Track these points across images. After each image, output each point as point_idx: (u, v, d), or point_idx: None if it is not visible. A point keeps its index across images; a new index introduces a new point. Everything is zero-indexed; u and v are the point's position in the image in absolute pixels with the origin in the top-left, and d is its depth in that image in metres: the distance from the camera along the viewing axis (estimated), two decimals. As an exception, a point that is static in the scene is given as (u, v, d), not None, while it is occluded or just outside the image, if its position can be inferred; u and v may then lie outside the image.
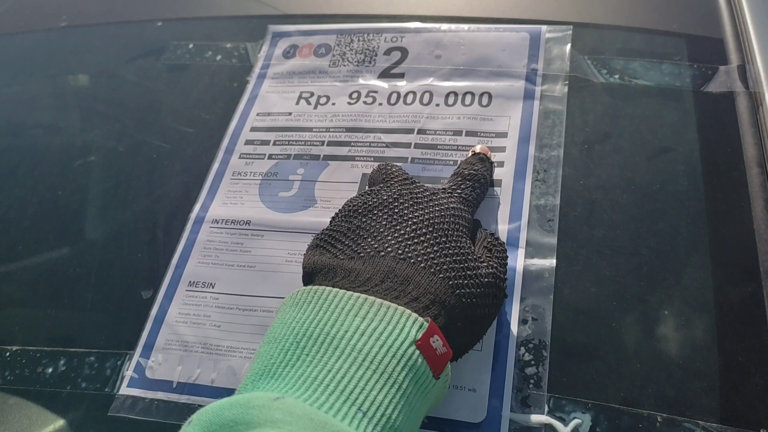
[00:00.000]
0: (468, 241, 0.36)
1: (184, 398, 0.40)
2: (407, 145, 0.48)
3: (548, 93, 0.49)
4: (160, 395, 0.40)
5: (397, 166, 0.41)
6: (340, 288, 0.31)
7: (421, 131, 0.48)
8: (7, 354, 0.45)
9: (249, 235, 0.46)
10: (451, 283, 0.32)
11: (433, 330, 0.29)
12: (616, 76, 0.50)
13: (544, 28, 0.52)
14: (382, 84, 0.52)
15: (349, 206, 0.37)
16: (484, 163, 0.42)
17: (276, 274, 0.43)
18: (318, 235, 0.37)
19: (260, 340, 0.41)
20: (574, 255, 0.41)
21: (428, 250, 0.34)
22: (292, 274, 0.43)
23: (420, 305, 0.31)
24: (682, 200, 0.43)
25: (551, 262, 0.41)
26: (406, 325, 0.29)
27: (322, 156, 0.49)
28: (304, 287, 0.31)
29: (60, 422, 0.41)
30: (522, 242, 0.41)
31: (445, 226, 0.35)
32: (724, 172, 0.44)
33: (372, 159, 0.48)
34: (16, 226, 0.53)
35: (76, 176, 0.55)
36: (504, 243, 0.38)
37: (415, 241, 0.34)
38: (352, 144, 0.49)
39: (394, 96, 0.51)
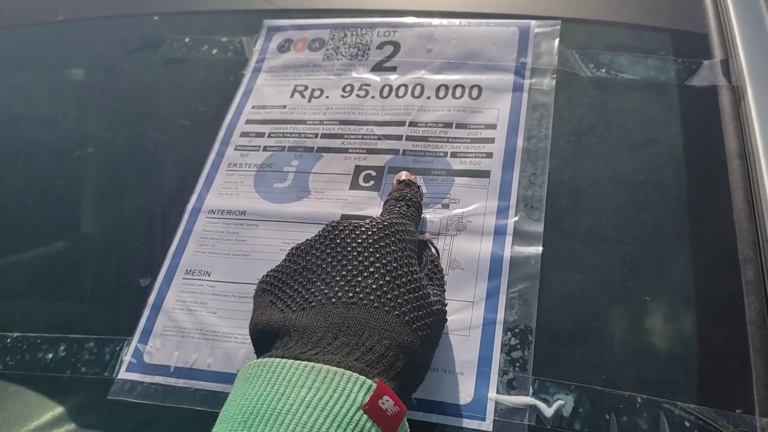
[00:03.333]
0: (415, 262, 0.36)
1: (181, 382, 0.41)
2: (399, 138, 0.49)
3: (537, 86, 0.50)
4: (158, 379, 0.42)
5: None
6: (293, 354, 0.30)
7: (412, 123, 0.50)
8: (8, 340, 0.46)
9: (244, 225, 0.47)
10: (407, 318, 0.32)
11: (382, 390, 0.28)
12: (603, 70, 0.51)
13: (533, 23, 0.53)
14: (375, 77, 0.53)
15: (294, 247, 0.37)
16: (411, 187, 0.42)
17: (271, 263, 0.43)
18: (264, 277, 0.37)
19: (255, 326, 0.42)
20: (559, 243, 0.43)
21: (380, 282, 0.33)
22: (287, 262, 0.44)
23: (375, 355, 0.30)
24: (665, 191, 0.44)
25: (537, 249, 0.42)
26: (353, 390, 0.28)
27: (315, 148, 0.50)
28: (255, 361, 0.31)
29: (61, 405, 0.43)
30: (509, 230, 0.43)
31: (392, 247, 0.35)
32: (706, 164, 0.45)
33: (365, 151, 0.49)
34: (16, 217, 0.54)
35: (74, 168, 0.56)
36: (443, 270, 0.39)
37: (365, 274, 0.33)
38: (346, 136, 0.50)
39: (387, 89, 0.52)
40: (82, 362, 0.44)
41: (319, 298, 0.33)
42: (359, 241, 0.35)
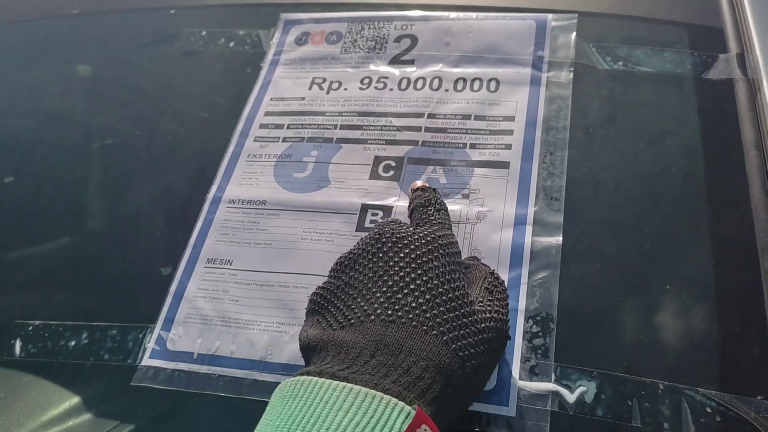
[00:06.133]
0: (461, 277, 0.35)
1: (204, 368, 0.42)
2: (418, 129, 0.50)
3: (554, 79, 0.50)
4: (182, 366, 0.42)
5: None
6: (330, 372, 0.30)
7: (431, 115, 0.50)
8: (30, 329, 0.47)
9: (265, 214, 0.47)
10: (445, 338, 0.31)
11: (421, 419, 0.28)
12: (620, 63, 0.51)
13: (550, 16, 0.53)
14: (393, 70, 0.54)
15: (339, 260, 0.37)
16: (426, 190, 0.41)
17: (292, 251, 0.45)
18: (312, 295, 0.36)
19: (277, 314, 0.43)
20: (579, 233, 0.43)
21: (419, 301, 0.32)
22: (308, 251, 0.45)
23: (411, 377, 0.30)
24: (683, 181, 0.45)
25: (557, 239, 0.42)
26: (390, 416, 0.27)
27: (335, 139, 0.50)
28: (291, 379, 0.30)
29: (84, 391, 0.43)
30: (530, 220, 0.43)
31: (435, 262, 0.34)
32: (723, 155, 0.46)
33: (384, 142, 0.49)
34: (37, 207, 0.54)
35: (94, 159, 0.56)
36: (504, 282, 0.37)
37: (405, 291, 0.33)
38: (365, 127, 0.51)
39: (405, 81, 0.53)
40: (105, 349, 0.44)
41: (359, 315, 0.33)
42: (401, 255, 0.34)
